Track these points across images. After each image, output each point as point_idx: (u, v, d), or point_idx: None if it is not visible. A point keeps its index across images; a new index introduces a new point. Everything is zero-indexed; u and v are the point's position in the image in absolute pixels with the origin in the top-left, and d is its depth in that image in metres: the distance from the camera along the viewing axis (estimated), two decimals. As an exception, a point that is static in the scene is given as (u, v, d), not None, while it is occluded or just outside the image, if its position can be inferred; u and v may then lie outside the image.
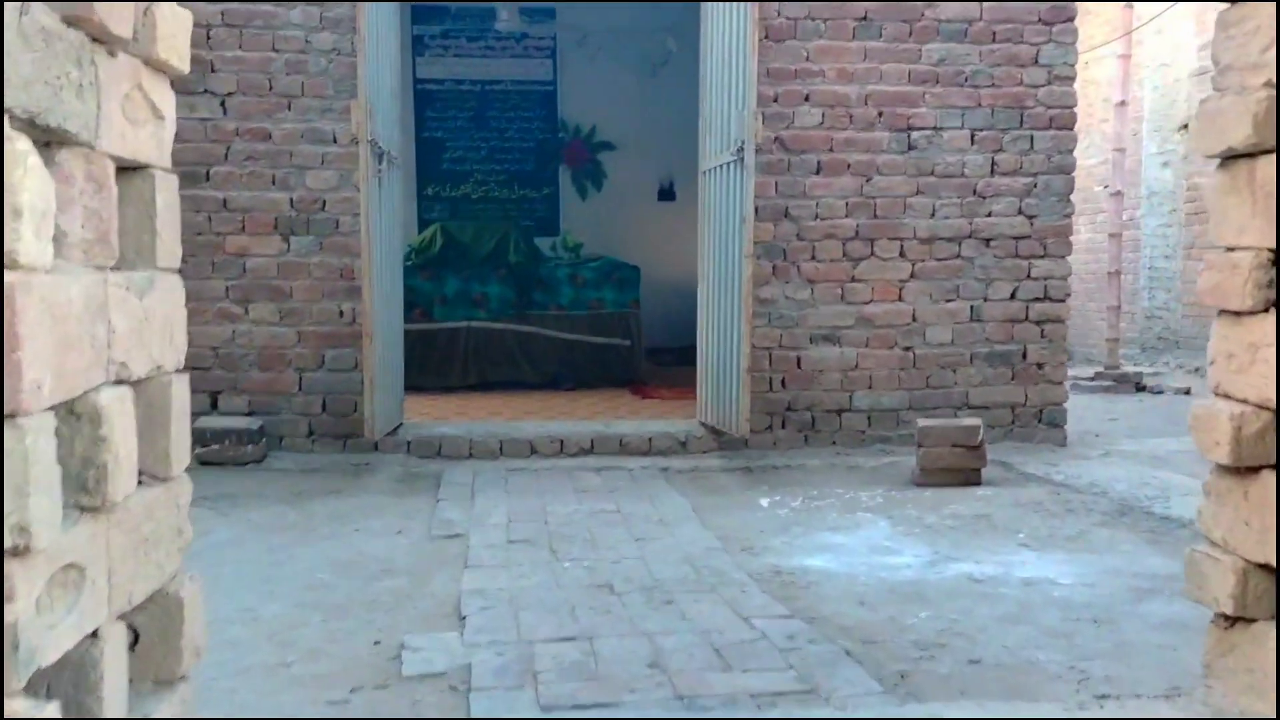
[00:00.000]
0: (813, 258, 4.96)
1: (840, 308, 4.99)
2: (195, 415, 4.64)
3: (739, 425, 4.63)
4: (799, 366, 4.98)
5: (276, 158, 4.70)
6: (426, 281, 7.38)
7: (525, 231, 8.29)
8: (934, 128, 4.99)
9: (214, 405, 4.75)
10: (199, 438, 4.56)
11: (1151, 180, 9.63)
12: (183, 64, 1.49)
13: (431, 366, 7.33)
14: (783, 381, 4.98)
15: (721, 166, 4.72)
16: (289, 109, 4.70)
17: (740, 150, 4.43)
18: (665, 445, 4.91)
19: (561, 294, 7.51)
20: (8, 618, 0.91)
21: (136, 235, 1.41)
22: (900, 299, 5.03)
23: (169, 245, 1.48)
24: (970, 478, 4.31)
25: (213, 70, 4.66)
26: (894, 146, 4.97)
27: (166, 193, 1.50)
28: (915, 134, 4.98)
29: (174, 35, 1.46)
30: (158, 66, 1.44)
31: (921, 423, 4.44)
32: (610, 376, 7.47)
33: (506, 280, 7.47)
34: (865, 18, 4.92)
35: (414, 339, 7.31)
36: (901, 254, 5.01)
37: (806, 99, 4.91)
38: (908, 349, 5.04)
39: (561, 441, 4.87)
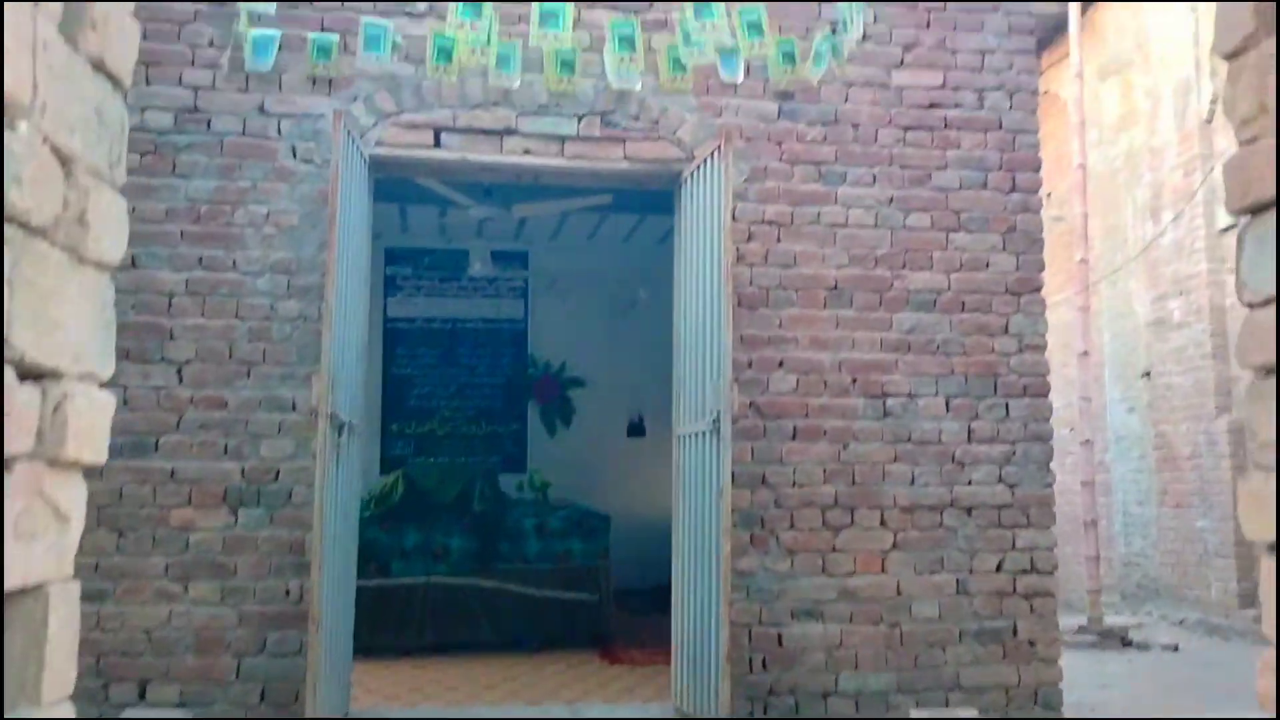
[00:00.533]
0: (792, 526, 4.76)
1: (822, 580, 4.74)
2: (120, 707, 4.23)
3: (719, 715, 4.27)
4: (780, 644, 4.67)
5: (231, 426, 4.51)
6: (385, 534, 7.06)
7: (491, 476, 8.07)
8: (909, 395, 4.92)
9: (142, 695, 4.33)
10: (122, 735, 4.13)
11: (1118, 426, 9.66)
12: (98, 456, 1.29)
13: (387, 626, 6.90)
14: (764, 662, 4.65)
15: (697, 435, 4.58)
16: (248, 376, 4.54)
17: (716, 421, 4.30)
18: (637, 734, 4.52)
19: (528, 545, 7.21)
20: None
21: (21, 667, 1.16)
22: (884, 570, 4.80)
23: (61, 675, 1.22)
24: (971, 780, 3.96)
25: (171, 338, 4.52)
26: (870, 413, 4.88)
27: (64, 609, 1.26)
28: (890, 401, 4.90)
29: (92, 428, 1.27)
30: (67, 465, 1.24)
31: (914, 714, 4.12)
32: (577, 635, 7.06)
33: (470, 531, 7.17)
34: (835, 287, 4.93)
35: (369, 597, 6.92)
36: (883, 523, 4.82)
37: (781, 365, 4.84)
38: (894, 625, 4.76)
39: (524, 728, 4.48)
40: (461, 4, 3.55)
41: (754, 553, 4.70)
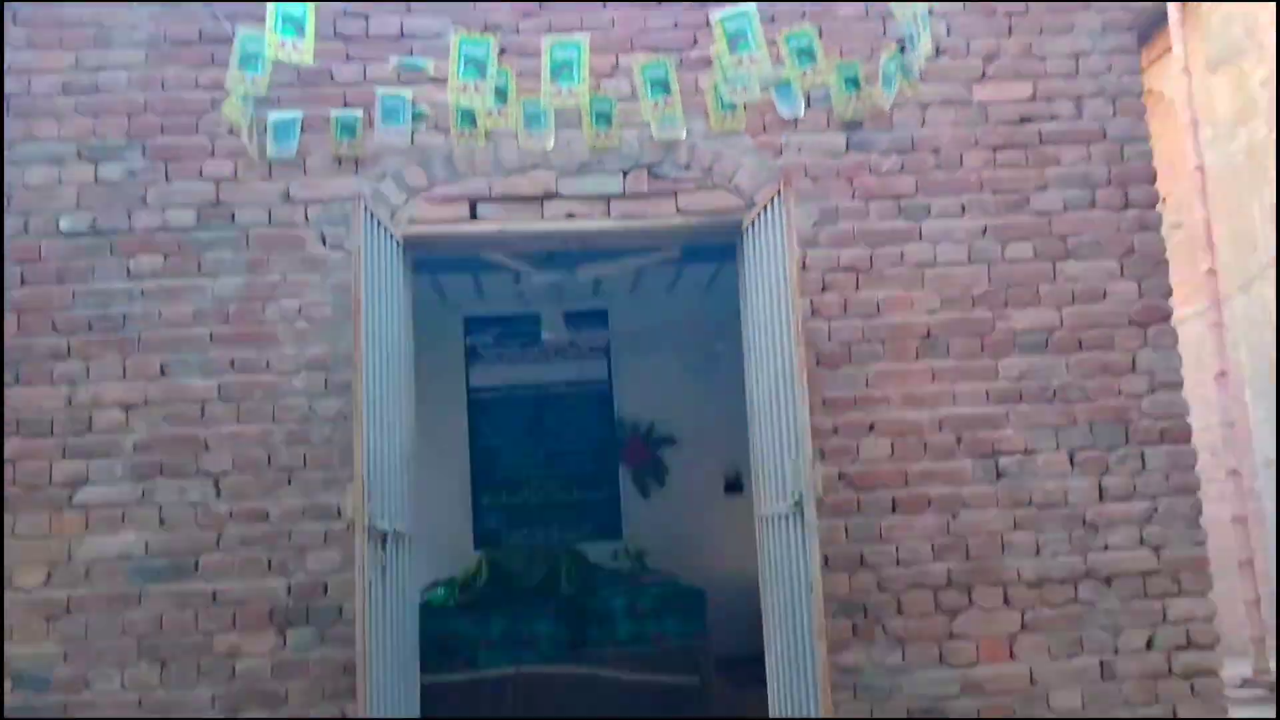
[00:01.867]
0: (900, 612, 4.17)
1: (940, 672, 4.13)
2: None
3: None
4: (897, 751, 4.08)
5: (274, 540, 4.16)
6: (469, 624, 6.66)
7: (578, 557, 7.62)
8: (1024, 451, 4.30)
9: (193, 842, 3.97)
10: None
11: (1266, 450, 8.71)
12: None
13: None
14: (879, 771, 4.07)
15: (779, 517, 4.04)
16: (289, 483, 4.20)
17: (799, 504, 3.76)
18: None
19: (619, 628, 6.71)
20: None
21: None
22: (1012, 656, 4.16)
23: None
24: None
25: (206, 449, 4.21)
26: (981, 475, 4.27)
27: None
28: (1004, 460, 4.29)
29: None
30: None
31: (1063, 836, 3.48)
32: (679, 721, 6.52)
33: (559, 616, 6.71)
34: (929, 335, 4.36)
35: (456, 694, 6.52)
36: (1006, 601, 4.19)
37: (871, 429, 4.28)
38: (1029, 720, 4.12)
39: None
40: (462, 66, 3.16)
41: (858, 645, 4.13)
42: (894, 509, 4.23)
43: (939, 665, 4.13)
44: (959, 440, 4.29)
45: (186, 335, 4.26)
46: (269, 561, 4.15)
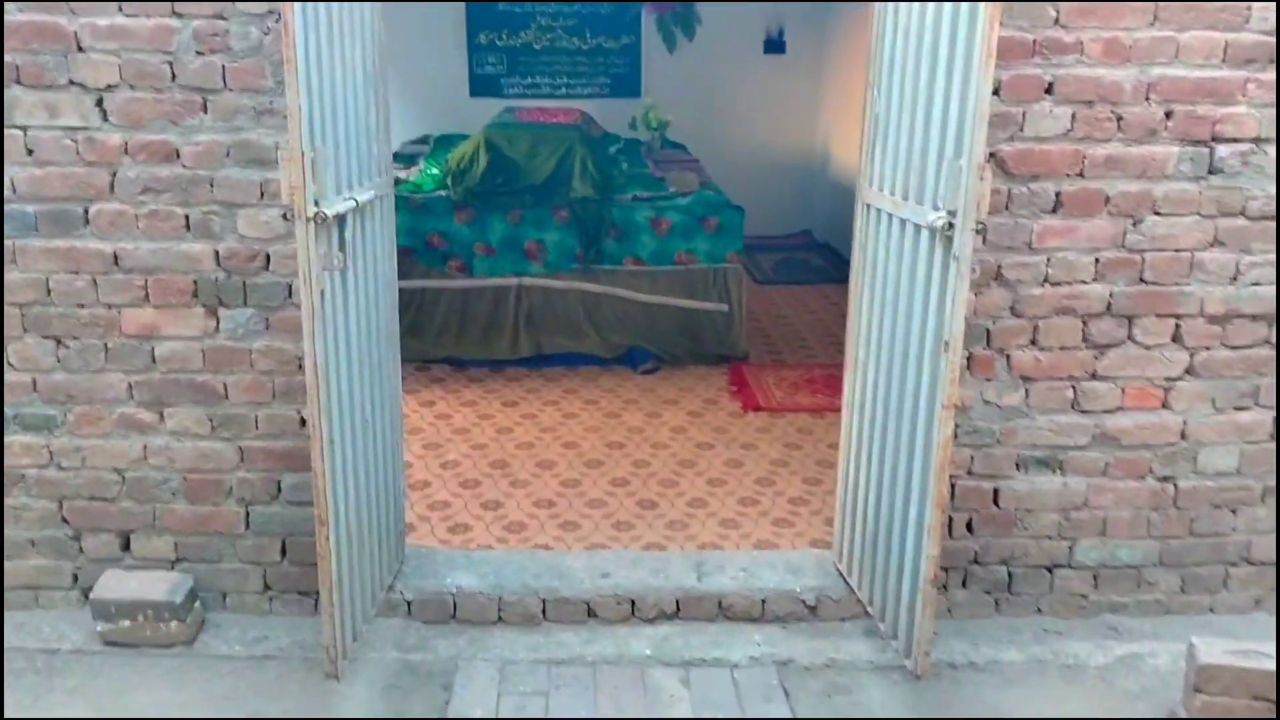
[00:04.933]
0: (1034, 343, 3.14)
1: (1069, 419, 3.20)
2: (100, 563, 3.17)
3: (908, 633, 3.00)
4: (996, 504, 3.26)
5: (190, 190, 2.97)
6: (464, 225, 5.64)
7: (596, 144, 6.40)
8: (1255, 140, 3.01)
9: (126, 547, 3.25)
10: (101, 610, 3.11)
11: None
12: None
13: (472, 335, 5.73)
14: (968, 524, 3.28)
15: (906, 224, 2.85)
16: (204, 110, 2.92)
17: (950, 224, 2.57)
18: (785, 609, 3.31)
19: (640, 243, 5.72)
20: None
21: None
22: (1165, 405, 3.21)
23: None
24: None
25: (79, 50, 2.87)
26: (1186, 169, 3.03)
27: None
28: (1223, 149, 3.02)
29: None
30: None
31: (1202, 659, 2.78)
32: (702, 353, 5.78)
33: (569, 225, 5.68)
34: (1170, -57, 2.87)
35: (451, 300, 5.69)
36: (1176, 338, 3.16)
37: (1049, 91, 2.95)
38: (1166, 479, 3.27)
39: (633, 603, 3.31)
40: None
41: (972, 380, 3.15)
42: (1056, 208, 3.03)
43: (1069, 410, 3.20)
44: (1168, 116, 2.98)
45: None
46: (186, 219, 2.99)
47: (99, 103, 2.90)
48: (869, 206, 3.10)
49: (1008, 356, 3.15)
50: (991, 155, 2.95)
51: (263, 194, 2.96)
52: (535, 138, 5.98)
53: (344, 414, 2.80)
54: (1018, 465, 3.24)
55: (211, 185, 2.97)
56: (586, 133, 6.42)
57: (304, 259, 2.44)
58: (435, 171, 6.21)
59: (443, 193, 5.77)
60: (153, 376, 3.11)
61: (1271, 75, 2.96)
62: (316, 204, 2.48)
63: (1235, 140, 3.01)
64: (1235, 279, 3.11)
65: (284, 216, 2.79)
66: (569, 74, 9.24)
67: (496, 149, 5.80)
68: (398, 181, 6.01)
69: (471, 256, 5.68)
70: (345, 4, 2.66)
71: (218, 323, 3.07)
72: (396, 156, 7.25)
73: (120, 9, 2.84)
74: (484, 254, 5.68)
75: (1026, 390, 3.18)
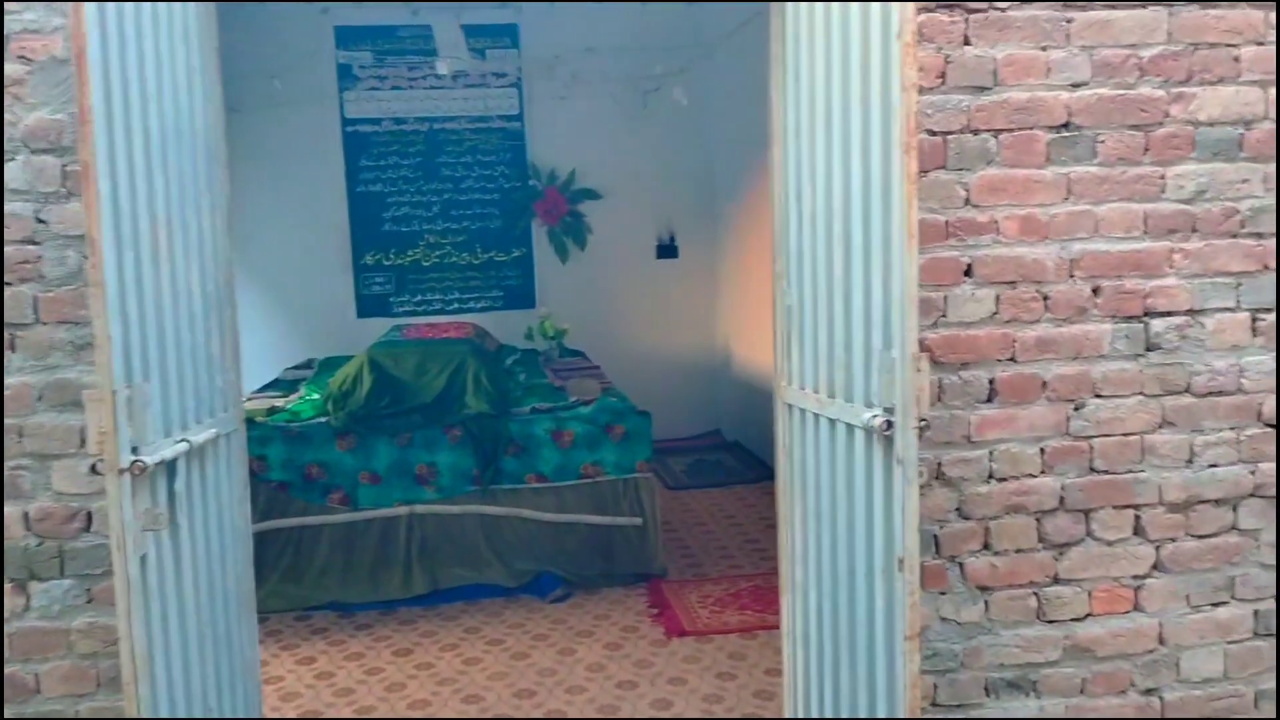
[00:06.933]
0: (986, 547, 2.79)
1: (1036, 631, 2.83)
2: None
3: None
4: (967, 738, 2.83)
5: (-9, 442, 2.49)
6: (346, 453, 5.17)
7: (491, 359, 6.08)
8: (1188, 312, 2.82)
9: None
10: None
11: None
12: None
13: (359, 575, 5.14)
14: (939, 767, 2.83)
15: (837, 425, 2.53)
16: (12, 348, 2.48)
17: (889, 423, 2.24)
18: None
19: (541, 458, 5.30)
20: None
21: None
22: (1137, 607, 2.87)
23: None
24: None
25: None
26: (1122, 347, 2.80)
27: None
28: (1157, 324, 2.81)
29: None
30: None
31: None
32: (616, 573, 5.29)
33: (463, 444, 5.26)
34: (1068, 124, 2.73)
35: (334, 537, 5.13)
36: (1138, 530, 2.85)
37: (968, 273, 2.73)
38: (1150, 692, 2.89)
39: None
40: None
41: (925, 596, 2.77)
42: (991, 396, 2.76)
43: (1035, 621, 2.82)
44: (1095, 292, 2.78)
45: None
46: (-11, 476, 2.50)
47: (-120, 347, 2.44)
48: (791, 406, 2.77)
49: (960, 565, 2.79)
50: (920, 343, 2.68)
51: (83, 441, 2.49)
52: (424, 354, 5.63)
53: (179, 708, 2.25)
54: (986, 690, 2.83)
55: (20, 435, 2.49)
56: (479, 346, 6.12)
57: (116, 519, 1.97)
58: (315, 397, 5.78)
59: (323, 419, 5.32)
60: (-58, 674, 2.52)
61: (1198, 244, 2.80)
62: (135, 451, 2.03)
63: (1169, 314, 2.81)
64: (1190, 462, 2.85)
65: (92, 469, 2.32)
66: (461, 289, 9.04)
67: (381, 368, 5.42)
68: (274, 410, 5.55)
69: (355, 486, 5.18)
70: (176, 217, 2.30)
71: (27, 599, 2.53)
72: (277, 383, 6.81)
73: (-91, 238, 2.43)
74: (369, 483, 5.19)
75: (985, 602, 2.81)
